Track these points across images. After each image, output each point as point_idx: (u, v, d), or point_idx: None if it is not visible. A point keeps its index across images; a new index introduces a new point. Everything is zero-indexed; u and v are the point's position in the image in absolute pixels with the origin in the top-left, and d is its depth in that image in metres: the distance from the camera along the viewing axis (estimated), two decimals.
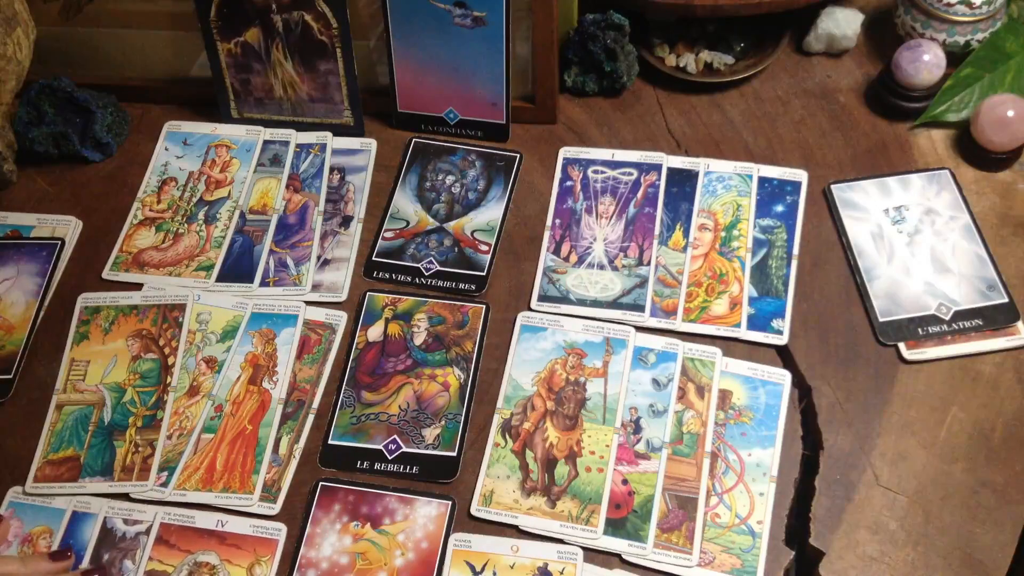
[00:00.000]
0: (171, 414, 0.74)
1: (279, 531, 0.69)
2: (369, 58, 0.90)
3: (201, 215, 0.85)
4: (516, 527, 0.68)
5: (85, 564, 0.69)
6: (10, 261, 0.83)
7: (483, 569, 0.66)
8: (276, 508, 0.70)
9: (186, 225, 0.85)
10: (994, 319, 0.74)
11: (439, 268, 0.81)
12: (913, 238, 0.79)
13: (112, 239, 0.85)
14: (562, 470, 0.70)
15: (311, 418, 0.74)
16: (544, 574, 0.65)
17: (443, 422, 0.73)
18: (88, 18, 0.92)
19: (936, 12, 0.86)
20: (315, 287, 0.80)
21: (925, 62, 0.84)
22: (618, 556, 0.67)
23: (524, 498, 0.69)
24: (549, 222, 0.83)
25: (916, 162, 0.84)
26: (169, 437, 0.73)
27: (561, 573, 0.65)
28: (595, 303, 0.77)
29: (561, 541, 0.67)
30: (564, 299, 0.78)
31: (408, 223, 0.84)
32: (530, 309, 0.78)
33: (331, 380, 0.75)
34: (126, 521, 0.70)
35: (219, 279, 0.81)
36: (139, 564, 0.68)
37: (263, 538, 0.69)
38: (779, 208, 0.81)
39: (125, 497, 0.71)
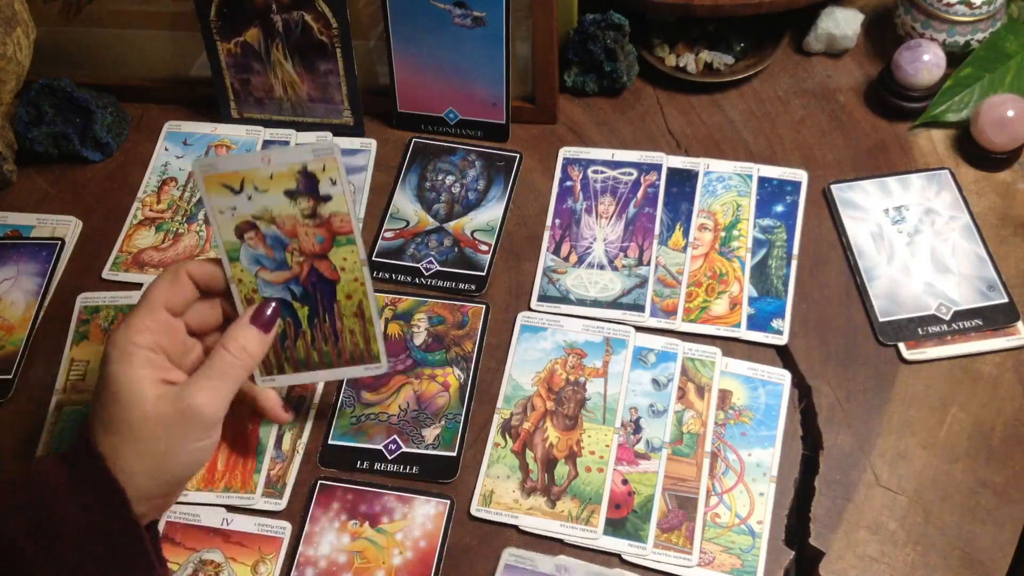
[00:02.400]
0: None
1: (284, 529, 0.69)
2: (369, 58, 0.90)
3: (201, 215, 0.85)
4: (516, 527, 0.68)
5: None
6: (10, 261, 0.83)
7: (242, 187, 0.64)
8: (283, 503, 0.70)
9: (186, 225, 0.85)
10: (994, 319, 0.74)
11: (439, 268, 0.80)
12: (913, 238, 0.79)
13: (112, 239, 0.85)
14: (562, 470, 0.70)
15: (312, 413, 0.74)
16: (306, 175, 0.63)
17: (443, 422, 0.73)
18: (88, 18, 0.92)
19: (936, 12, 0.86)
20: None
21: (925, 62, 0.84)
22: (618, 556, 0.67)
23: (524, 498, 0.69)
24: (549, 222, 0.83)
25: (916, 162, 0.84)
26: None
27: (323, 170, 0.63)
28: (595, 303, 0.77)
29: (561, 542, 0.67)
30: (564, 299, 0.78)
31: (408, 223, 0.84)
32: (530, 309, 0.78)
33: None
34: None
35: None
36: None
37: (268, 536, 0.69)
38: (779, 208, 0.81)
39: None
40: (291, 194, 0.63)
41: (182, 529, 0.69)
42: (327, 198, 0.64)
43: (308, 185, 0.63)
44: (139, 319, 0.61)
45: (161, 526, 0.69)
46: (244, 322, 0.63)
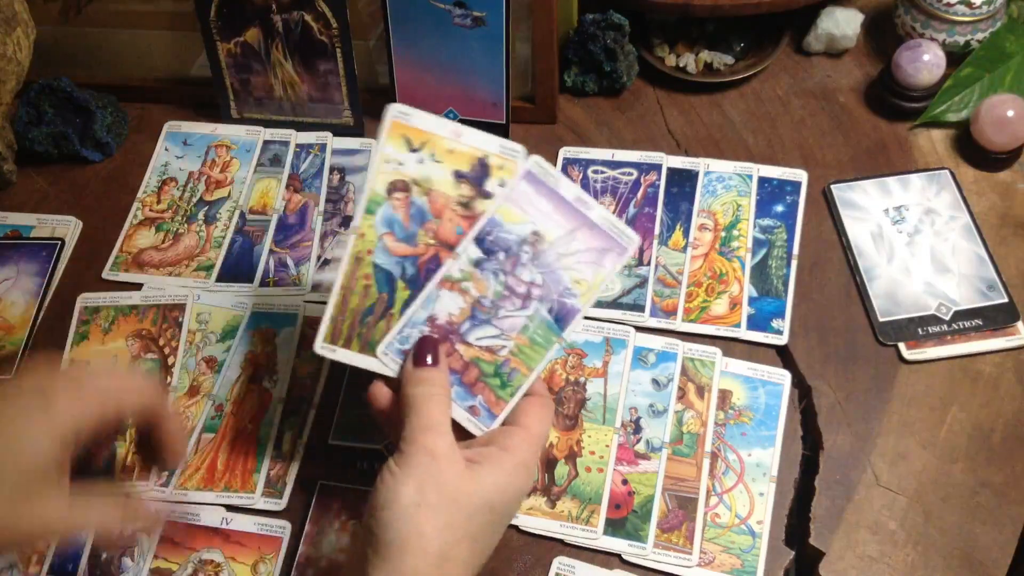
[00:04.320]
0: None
1: (284, 529, 0.69)
2: (369, 58, 0.90)
3: (201, 215, 0.85)
4: (516, 527, 0.68)
5: (83, 564, 0.69)
6: (10, 261, 0.83)
7: (421, 147, 0.62)
8: (283, 503, 0.70)
9: (186, 225, 0.85)
10: (994, 319, 0.74)
11: None
12: (913, 238, 0.79)
13: (112, 239, 0.85)
14: (562, 470, 0.70)
15: (312, 413, 0.74)
16: (483, 165, 0.62)
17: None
18: (88, 18, 0.92)
19: (936, 12, 0.86)
20: (315, 287, 0.80)
21: (925, 62, 0.84)
22: (618, 556, 0.67)
23: (524, 498, 0.69)
24: None
25: (916, 162, 0.84)
26: None
27: (500, 168, 0.62)
28: (595, 303, 0.77)
29: (561, 542, 0.67)
30: None
31: None
32: None
33: (332, 379, 0.75)
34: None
35: (219, 279, 0.81)
36: (144, 560, 0.68)
37: (268, 536, 0.69)
38: (779, 208, 0.81)
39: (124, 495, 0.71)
40: (459, 176, 0.62)
41: (182, 529, 0.69)
42: (487, 195, 0.62)
43: (479, 174, 0.61)
44: (88, 396, 0.57)
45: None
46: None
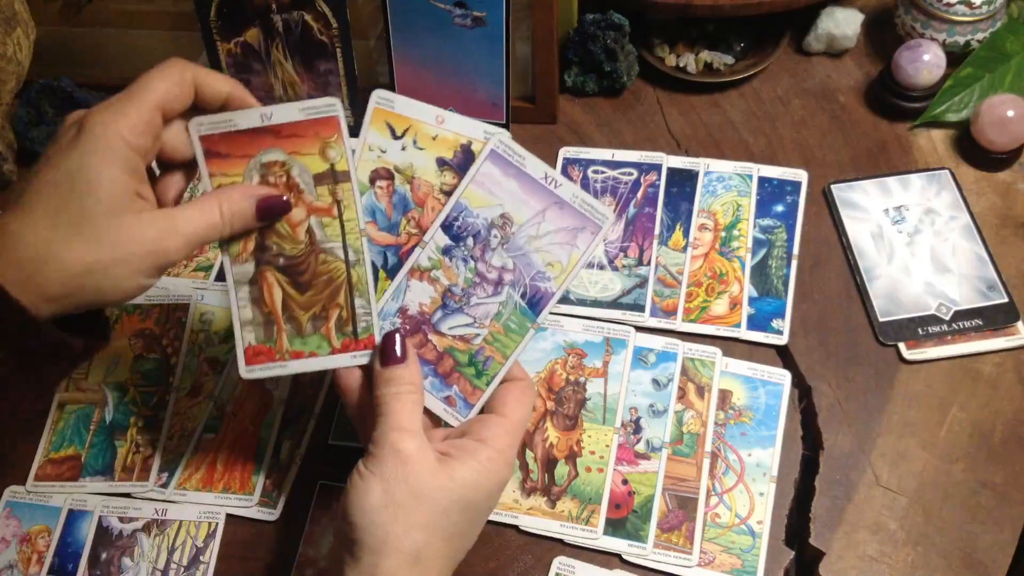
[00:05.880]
0: (173, 415, 0.74)
1: (332, 107, 0.59)
2: (369, 58, 0.90)
3: None
4: (516, 527, 0.68)
5: (82, 564, 0.69)
6: None
7: (404, 134, 0.61)
8: (276, 513, 0.70)
9: None
10: (994, 319, 0.74)
11: None
12: (913, 238, 0.79)
13: None
14: (562, 470, 0.70)
15: (312, 423, 0.74)
16: (466, 152, 0.61)
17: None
18: (88, 18, 0.92)
19: (936, 12, 0.86)
20: None
21: (925, 62, 0.84)
22: (618, 556, 0.67)
23: (524, 498, 0.69)
24: None
25: (916, 162, 0.84)
26: (170, 438, 0.73)
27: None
28: (595, 303, 0.77)
29: (561, 542, 0.67)
30: (564, 299, 0.78)
31: None
32: None
33: (334, 385, 0.75)
34: (121, 519, 0.70)
35: (217, 279, 0.81)
36: (144, 557, 0.68)
37: (319, 119, 0.59)
38: (779, 208, 0.81)
39: (123, 495, 0.71)
40: (442, 163, 0.60)
41: (222, 139, 0.59)
42: None
43: (462, 161, 0.60)
44: (135, 114, 0.54)
45: (199, 144, 0.59)
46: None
